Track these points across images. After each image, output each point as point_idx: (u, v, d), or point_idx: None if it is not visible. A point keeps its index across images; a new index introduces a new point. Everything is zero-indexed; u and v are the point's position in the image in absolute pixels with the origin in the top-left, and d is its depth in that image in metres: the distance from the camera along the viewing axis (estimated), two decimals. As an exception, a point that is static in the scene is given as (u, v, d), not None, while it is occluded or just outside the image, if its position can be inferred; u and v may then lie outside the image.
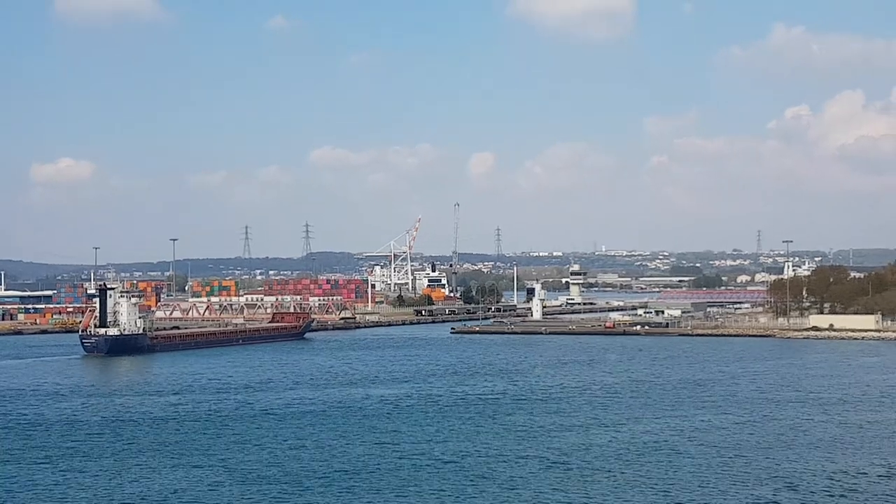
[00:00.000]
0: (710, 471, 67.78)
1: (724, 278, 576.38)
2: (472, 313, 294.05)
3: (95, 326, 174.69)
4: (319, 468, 69.45)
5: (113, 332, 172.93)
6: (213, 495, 61.97)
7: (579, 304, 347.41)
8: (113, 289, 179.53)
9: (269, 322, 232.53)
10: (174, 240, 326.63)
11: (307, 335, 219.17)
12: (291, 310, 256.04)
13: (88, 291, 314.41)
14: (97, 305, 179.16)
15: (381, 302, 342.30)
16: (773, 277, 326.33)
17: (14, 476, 68.45)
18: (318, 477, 66.70)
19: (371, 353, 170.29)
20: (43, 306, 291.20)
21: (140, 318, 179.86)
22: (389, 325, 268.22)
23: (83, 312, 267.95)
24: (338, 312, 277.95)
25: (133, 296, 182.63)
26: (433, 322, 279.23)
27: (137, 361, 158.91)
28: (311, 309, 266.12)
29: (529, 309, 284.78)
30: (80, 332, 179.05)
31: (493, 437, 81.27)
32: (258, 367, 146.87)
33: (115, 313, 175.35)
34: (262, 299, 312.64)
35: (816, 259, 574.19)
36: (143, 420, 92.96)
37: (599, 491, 62.39)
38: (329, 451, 75.97)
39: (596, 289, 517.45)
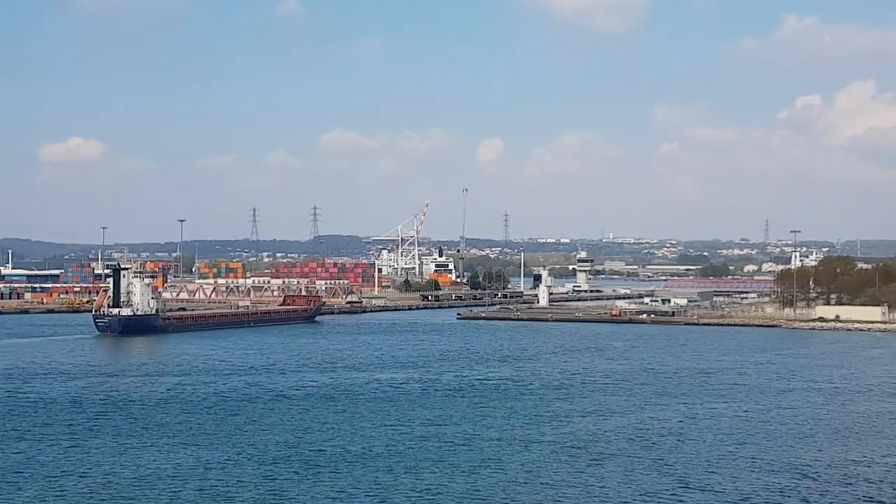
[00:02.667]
0: (721, 458, 68.28)
1: (731, 267, 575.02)
2: (479, 299, 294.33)
3: (109, 306, 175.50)
4: (331, 450, 69.99)
5: (126, 312, 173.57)
6: (225, 476, 62.48)
7: (586, 291, 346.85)
8: (127, 269, 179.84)
9: (281, 305, 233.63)
10: (182, 221, 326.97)
11: (318, 318, 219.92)
12: (300, 293, 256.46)
13: (96, 271, 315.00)
14: (111, 285, 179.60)
15: (388, 286, 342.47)
16: (781, 267, 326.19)
17: (25, 452, 69.29)
18: (329, 458, 67.26)
19: (378, 338, 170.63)
20: (50, 285, 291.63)
21: (153, 298, 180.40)
22: (396, 309, 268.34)
23: (90, 292, 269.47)
24: (344, 296, 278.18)
25: (146, 276, 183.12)
26: (439, 307, 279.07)
27: (150, 342, 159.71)
28: (317, 292, 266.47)
29: (536, 295, 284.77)
30: (93, 312, 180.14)
31: (502, 422, 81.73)
32: (269, 349, 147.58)
33: (128, 293, 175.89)
34: (268, 282, 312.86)
35: (824, 249, 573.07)
36: (154, 400, 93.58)
37: (612, 474, 62.97)
38: (340, 433, 76.50)
39: (603, 276, 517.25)
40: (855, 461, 67.60)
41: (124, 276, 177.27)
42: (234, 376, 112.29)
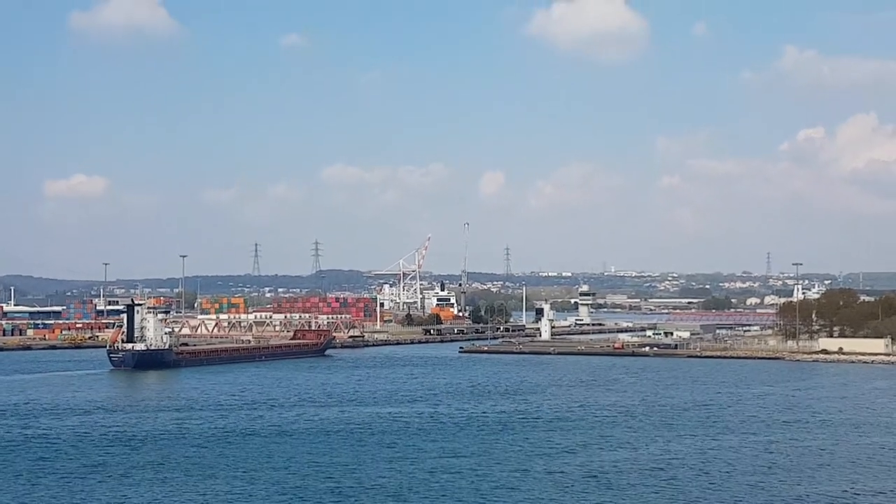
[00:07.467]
0: (744, 490, 68.59)
1: (733, 300, 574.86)
2: (481, 333, 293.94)
3: (123, 341, 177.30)
4: (348, 483, 70.37)
5: (140, 347, 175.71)
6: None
7: (588, 324, 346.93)
8: (140, 304, 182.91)
9: (291, 339, 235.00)
10: (184, 256, 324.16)
11: (327, 352, 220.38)
12: (304, 327, 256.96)
13: (98, 307, 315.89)
14: (125, 321, 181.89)
15: (390, 321, 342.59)
16: (783, 300, 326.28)
17: (39, 485, 69.94)
18: (348, 490, 67.65)
19: (383, 372, 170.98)
20: (52, 322, 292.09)
21: (166, 333, 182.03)
22: (398, 343, 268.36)
23: (92, 328, 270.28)
24: (347, 331, 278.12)
25: (160, 311, 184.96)
26: (441, 341, 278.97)
27: (163, 376, 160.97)
28: (319, 326, 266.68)
29: (538, 329, 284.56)
30: (107, 347, 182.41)
31: (510, 455, 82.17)
32: (281, 383, 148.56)
33: (142, 328, 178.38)
34: (271, 317, 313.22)
35: (826, 282, 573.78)
36: (168, 435, 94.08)
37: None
38: (355, 466, 76.91)
39: (605, 309, 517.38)
40: (878, 492, 67.89)
41: (138, 311, 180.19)
42: (247, 411, 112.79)
